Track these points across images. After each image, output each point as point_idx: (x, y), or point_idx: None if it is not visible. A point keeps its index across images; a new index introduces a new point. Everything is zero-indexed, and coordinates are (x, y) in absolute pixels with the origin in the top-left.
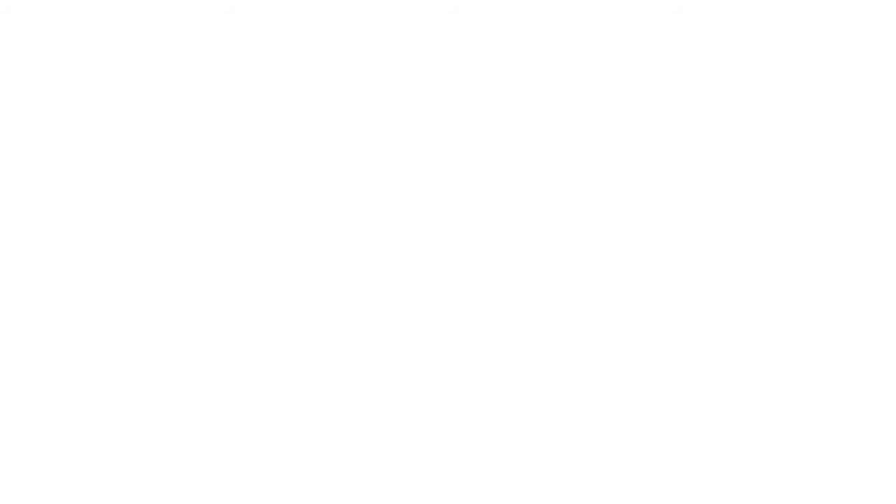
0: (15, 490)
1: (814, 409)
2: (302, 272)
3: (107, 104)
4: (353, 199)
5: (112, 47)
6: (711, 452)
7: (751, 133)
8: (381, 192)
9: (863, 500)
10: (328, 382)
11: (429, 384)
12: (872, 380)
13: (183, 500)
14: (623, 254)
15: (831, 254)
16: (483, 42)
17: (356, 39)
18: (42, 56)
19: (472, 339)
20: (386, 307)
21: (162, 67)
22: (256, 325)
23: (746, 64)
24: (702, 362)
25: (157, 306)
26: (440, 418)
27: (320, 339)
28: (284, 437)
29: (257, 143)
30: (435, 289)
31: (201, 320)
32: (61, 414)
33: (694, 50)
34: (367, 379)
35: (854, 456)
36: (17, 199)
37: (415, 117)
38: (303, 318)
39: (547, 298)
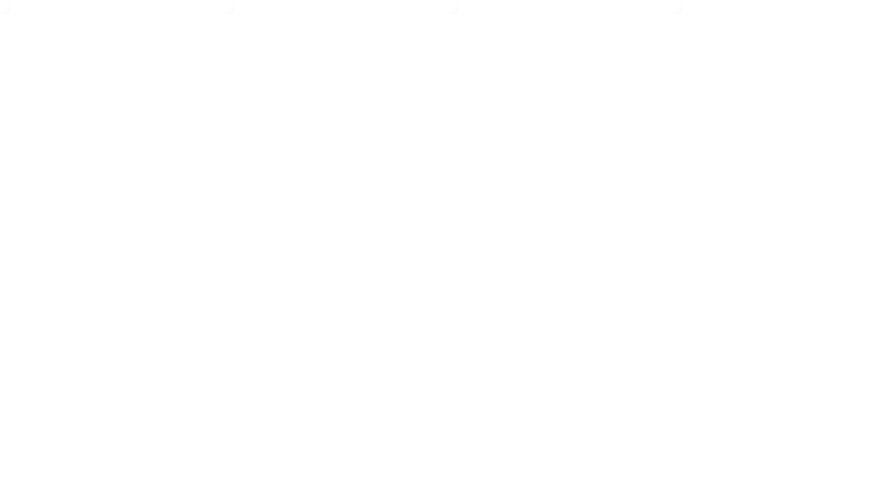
0: (15, 490)
1: (814, 410)
2: (302, 272)
3: (107, 104)
4: (353, 199)
5: (112, 47)
6: (711, 453)
7: (751, 133)
8: (382, 192)
9: (863, 501)
10: (328, 382)
11: (429, 384)
12: (872, 380)
13: (183, 501)
14: (623, 254)
15: (831, 254)
16: (483, 42)
17: (356, 39)
18: (42, 56)
19: (472, 339)
20: (386, 307)
21: (162, 67)
22: (256, 325)
23: (746, 64)
24: (702, 362)
25: (157, 306)
26: (440, 418)
27: (320, 339)
28: (284, 438)
29: (257, 142)
30: (435, 289)
31: (201, 320)
32: (61, 414)
33: (694, 50)
34: (367, 379)
35: (854, 456)
36: (18, 199)
37: (415, 117)
38: (303, 318)
39: (547, 298)
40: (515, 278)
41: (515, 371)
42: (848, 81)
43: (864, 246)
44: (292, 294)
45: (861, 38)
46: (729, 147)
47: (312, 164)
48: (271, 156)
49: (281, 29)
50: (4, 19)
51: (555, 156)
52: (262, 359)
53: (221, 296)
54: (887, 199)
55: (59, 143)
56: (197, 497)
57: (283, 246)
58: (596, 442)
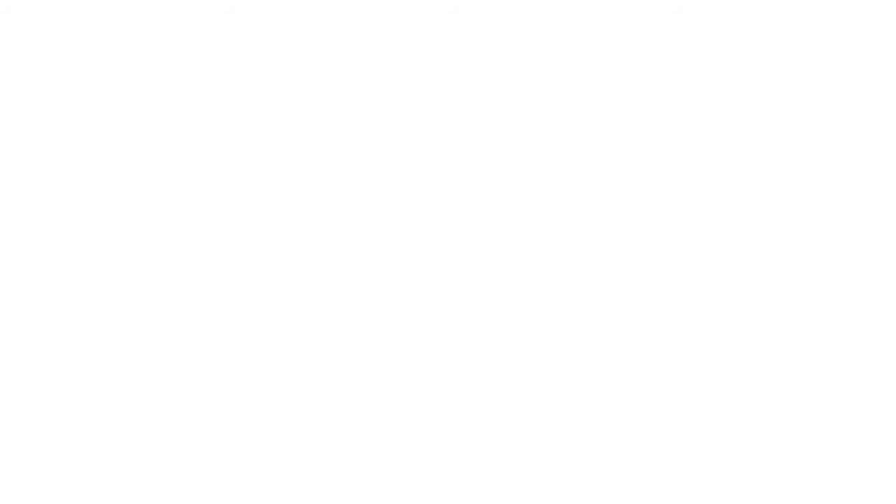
0: (15, 490)
1: (814, 410)
2: (302, 272)
3: (107, 104)
4: (353, 199)
5: (112, 47)
6: (711, 453)
7: (751, 133)
8: (382, 192)
9: (863, 501)
10: (328, 382)
11: (429, 384)
12: (872, 380)
13: (183, 501)
14: (623, 254)
15: (831, 254)
16: (483, 42)
17: (356, 39)
18: (42, 56)
19: (472, 339)
20: (386, 307)
21: (162, 67)
22: (256, 326)
23: (746, 64)
24: (702, 362)
25: (157, 306)
26: (440, 418)
27: (320, 340)
28: (284, 438)
29: (257, 142)
30: (435, 289)
31: (201, 320)
32: (61, 414)
33: (694, 50)
34: (367, 379)
35: (854, 456)
36: (18, 199)
37: (415, 117)
38: (303, 318)
39: (547, 298)
40: (515, 278)
41: (515, 371)
42: (848, 81)
43: (864, 246)
44: (292, 294)
45: (861, 38)
46: (729, 147)
47: (313, 163)
48: (271, 155)
49: (281, 29)
50: (4, 19)
51: (555, 156)
52: (262, 359)
53: (221, 295)
54: (887, 199)
55: (60, 143)
56: (197, 497)
57: (284, 246)
58: (596, 442)
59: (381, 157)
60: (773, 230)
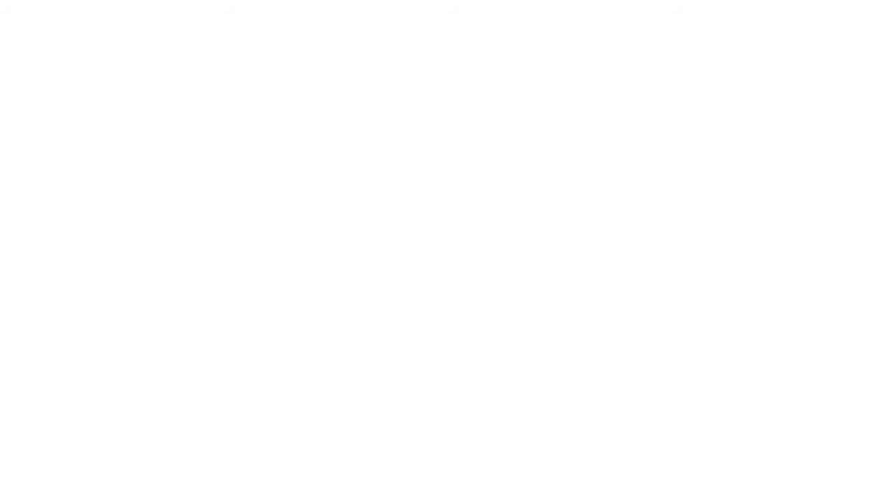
0: (15, 490)
1: (814, 410)
2: (302, 272)
3: (107, 104)
4: (353, 199)
5: (112, 47)
6: (711, 453)
7: (751, 133)
8: (382, 192)
9: (863, 501)
10: (328, 382)
11: (429, 384)
12: (872, 380)
13: (183, 501)
14: (623, 254)
15: (831, 254)
16: (483, 42)
17: (356, 39)
18: (42, 56)
19: (472, 339)
20: (386, 307)
21: (162, 67)
22: (256, 326)
23: (746, 64)
24: (702, 362)
25: (157, 306)
26: (440, 418)
27: (320, 340)
28: (284, 438)
29: (257, 142)
30: (435, 289)
31: (201, 320)
32: (61, 414)
33: (694, 50)
34: (367, 379)
35: (854, 456)
36: (18, 199)
37: (415, 117)
38: (303, 318)
39: (547, 298)
40: (515, 278)
41: (515, 371)
42: (848, 81)
43: (864, 246)
44: (292, 294)
45: (861, 38)
46: (729, 147)
47: (313, 163)
48: (271, 156)
49: (281, 29)
50: (4, 19)
51: (555, 156)
52: (262, 359)
53: (221, 296)
54: (887, 199)
55: (60, 143)
56: (197, 497)
57: (284, 246)
58: (596, 442)
59: (381, 156)
60: (773, 230)
